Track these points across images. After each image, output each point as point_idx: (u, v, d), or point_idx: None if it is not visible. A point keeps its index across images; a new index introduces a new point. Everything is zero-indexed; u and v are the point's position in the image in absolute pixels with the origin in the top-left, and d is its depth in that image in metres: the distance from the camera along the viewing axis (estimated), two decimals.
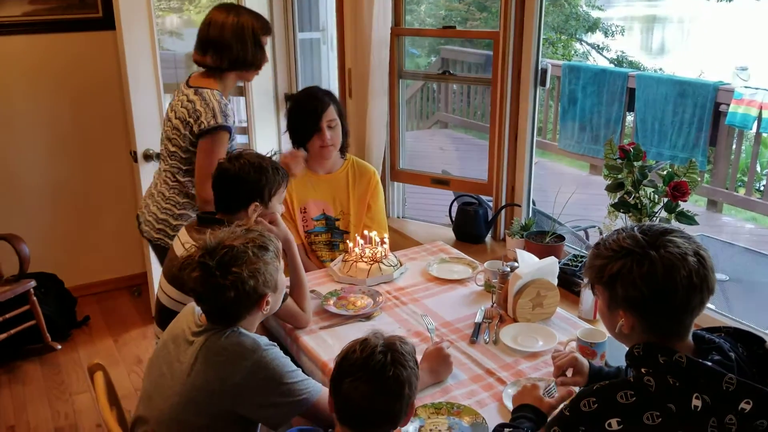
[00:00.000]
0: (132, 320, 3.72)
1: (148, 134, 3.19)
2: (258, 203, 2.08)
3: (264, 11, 3.59)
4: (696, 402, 1.18)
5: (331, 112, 2.64)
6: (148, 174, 3.22)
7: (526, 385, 1.64)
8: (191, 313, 1.71)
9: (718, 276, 3.46)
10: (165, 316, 2.12)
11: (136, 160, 3.20)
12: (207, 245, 1.61)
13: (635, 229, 1.31)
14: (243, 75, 2.48)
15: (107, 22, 3.49)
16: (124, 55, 3.08)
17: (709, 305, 2.32)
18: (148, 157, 3.19)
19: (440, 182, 3.35)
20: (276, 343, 1.67)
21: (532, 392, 1.59)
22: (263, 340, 1.64)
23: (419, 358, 1.78)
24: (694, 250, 1.25)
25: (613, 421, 1.20)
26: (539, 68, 2.79)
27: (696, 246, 1.27)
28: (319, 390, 1.64)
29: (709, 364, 1.21)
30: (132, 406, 2.77)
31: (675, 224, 2.12)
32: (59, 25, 3.56)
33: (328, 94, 2.69)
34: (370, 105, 3.09)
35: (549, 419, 1.34)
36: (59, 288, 3.69)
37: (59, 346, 3.43)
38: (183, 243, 2.10)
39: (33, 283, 3.29)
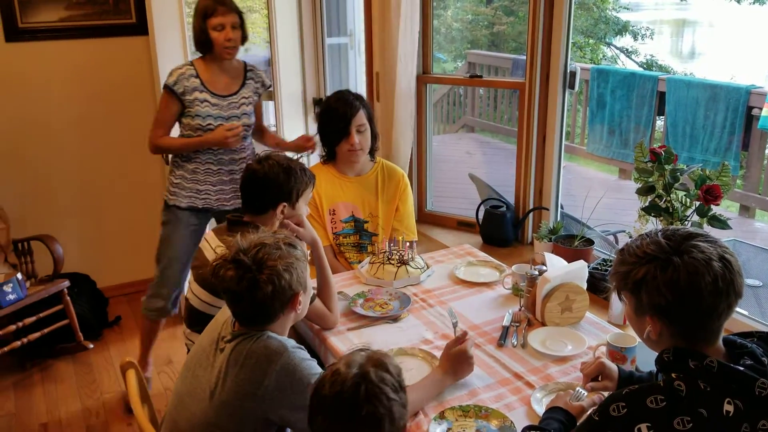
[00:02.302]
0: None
1: None
2: (286, 204, 2.11)
3: (293, 17, 3.63)
4: (728, 407, 1.17)
5: (361, 117, 2.65)
6: None
7: (560, 393, 1.65)
8: (228, 317, 1.72)
9: (751, 282, 3.42)
10: (195, 317, 2.15)
11: (167, 163, 3.25)
12: (239, 246, 1.63)
13: (659, 234, 1.29)
14: (210, 55, 2.77)
15: (140, 27, 3.57)
16: (156, 59, 3.14)
17: (741, 311, 2.30)
18: None
19: (466, 225, 3.33)
20: (303, 346, 1.67)
21: (563, 397, 1.61)
22: (290, 342, 1.64)
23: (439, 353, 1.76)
24: (719, 255, 1.23)
25: (643, 426, 1.19)
26: (568, 71, 2.78)
27: (722, 250, 1.25)
28: None
29: (741, 368, 1.19)
30: (162, 405, 2.81)
31: (707, 228, 2.10)
32: (94, 31, 3.63)
33: (359, 98, 2.71)
34: (397, 108, 3.10)
35: (578, 424, 1.34)
36: (92, 288, 3.76)
37: (91, 345, 3.49)
38: (214, 248, 2.13)
39: (66, 283, 3.36)
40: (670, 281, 1.22)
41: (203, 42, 2.71)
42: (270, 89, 2.98)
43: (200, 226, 2.95)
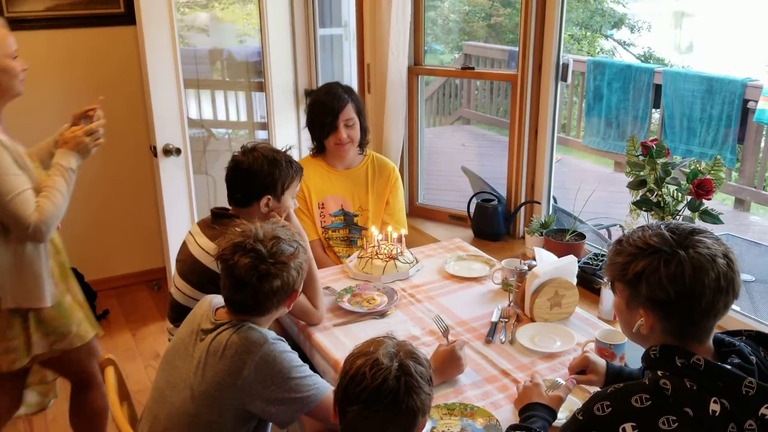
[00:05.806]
0: (151, 314, 3.74)
1: (168, 129, 3.20)
2: (270, 197, 2.07)
3: (285, 7, 3.59)
4: (714, 406, 1.14)
5: (349, 111, 2.61)
6: (167, 169, 3.24)
7: (527, 384, 1.59)
8: (207, 308, 1.71)
9: (744, 277, 3.39)
10: (177, 311, 2.12)
11: (156, 155, 3.21)
12: (255, 235, 1.61)
13: (662, 226, 1.26)
14: None
15: (128, 17, 3.51)
16: (144, 50, 3.09)
17: (734, 307, 2.26)
18: (167, 152, 3.20)
19: (458, 218, 3.28)
20: (284, 338, 1.65)
21: (536, 390, 1.54)
22: (271, 334, 1.63)
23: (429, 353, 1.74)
24: (723, 252, 1.21)
25: (628, 426, 1.17)
26: (560, 63, 2.74)
27: (725, 248, 1.23)
28: (326, 388, 1.62)
29: (728, 367, 1.17)
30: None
31: (699, 223, 2.07)
32: (81, 21, 3.58)
33: (348, 91, 2.66)
34: (388, 100, 3.06)
35: (562, 425, 1.31)
36: (80, 282, 3.68)
37: None
38: (197, 241, 2.09)
39: None
40: (674, 275, 1.19)
41: None
42: None
43: None
